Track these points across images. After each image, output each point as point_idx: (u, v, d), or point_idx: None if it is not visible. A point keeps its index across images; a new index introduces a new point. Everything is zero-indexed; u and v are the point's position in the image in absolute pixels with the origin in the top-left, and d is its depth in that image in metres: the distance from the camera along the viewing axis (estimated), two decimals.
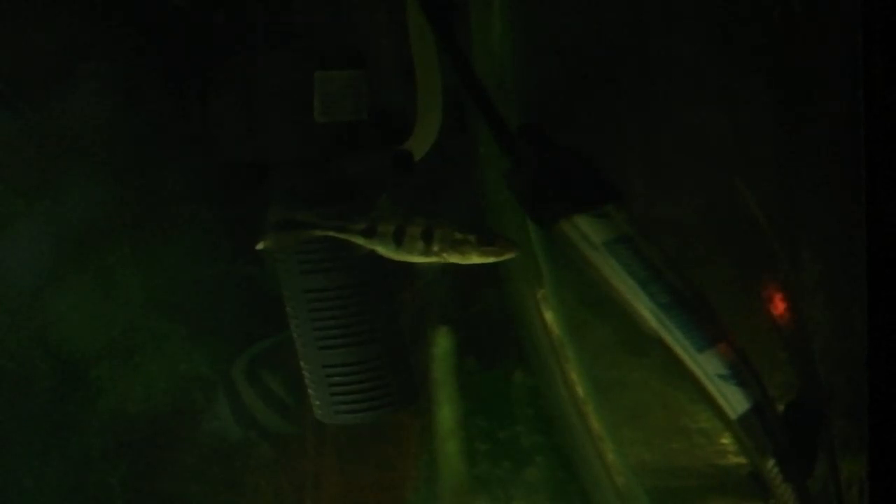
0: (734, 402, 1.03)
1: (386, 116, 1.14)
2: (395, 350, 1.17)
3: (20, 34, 1.20)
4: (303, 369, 1.19)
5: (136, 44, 1.23)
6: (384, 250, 1.03)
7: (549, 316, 1.23)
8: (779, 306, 1.13)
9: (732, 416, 1.04)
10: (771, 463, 1.04)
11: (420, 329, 1.28)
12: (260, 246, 1.11)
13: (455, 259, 1.01)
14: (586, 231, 1.05)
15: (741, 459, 1.12)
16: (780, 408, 1.08)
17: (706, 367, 1.03)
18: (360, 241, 1.04)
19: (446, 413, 1.27)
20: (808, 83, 1.10)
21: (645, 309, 1.04)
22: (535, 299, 1.23)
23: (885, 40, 0.90)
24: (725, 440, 1.20)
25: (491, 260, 1.00)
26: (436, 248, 1.00)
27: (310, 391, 1.19)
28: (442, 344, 1.26)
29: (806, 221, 1.14)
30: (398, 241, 1.01)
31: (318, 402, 1.19)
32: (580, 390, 1.23)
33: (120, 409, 1.34)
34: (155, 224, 1.32)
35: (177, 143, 1.28)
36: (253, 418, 1.37)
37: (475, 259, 1.00)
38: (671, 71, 1.19)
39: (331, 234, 1.05)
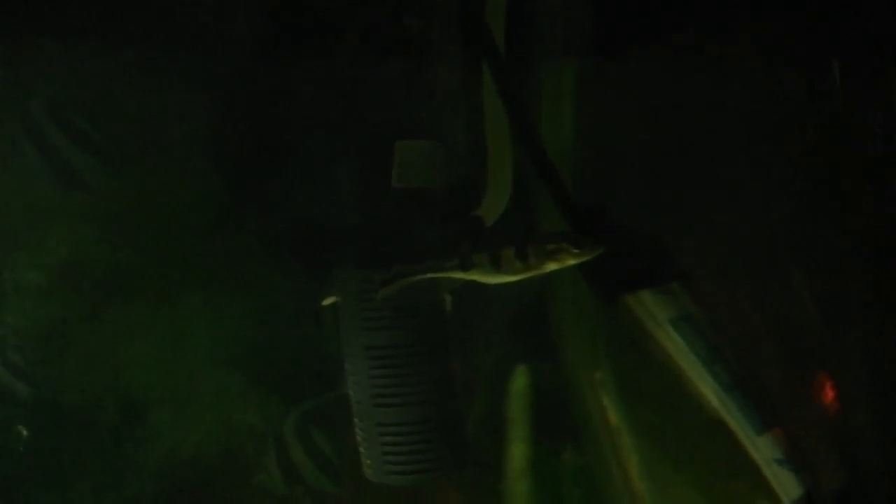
0: (788, 487, 1.03)
1: (459, 184, 1.19)
2: (450, 414, 1.18)
3: (126, 94, 1.29)
4: (356, 426, 1.21)
5: (226, 109, 1.31)
6: (484, 278, 1.04)
7: (605, 400, 1.21)
8: (828, 395, 1.13)
9: (786, 502, 1.04)
10: None
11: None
12: (325, 302, 1.15)
13: (553, 267, 1.02)
14: (652, 307, 1.07)
15: None
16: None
17: (764, 450, 1.04)
18: (458, 275, 1.05)
19: (519, 451, 1.25)
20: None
21: (708, 388, 1.04)
22: (592, 381, 1.22)
23: None
24: None
25: (585, 259, 1.02)
26: (533, 262, 1.02)
27: (361, 449, 1.20)
28: (519, 381, 1.26)
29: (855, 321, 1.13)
30: (496, 265, 1.03)
31: (368, 461, 1.20)
32: (637, 484, 1.20)
33: (174, 454, 1.37)
34: (226, 280, 1.38)
35: (252, 206, 1.35)
36: (299, 475, 1.38)
37: (571, 262, 1.02)
38: (730, 159, 1.21)
39: (430, 275, 1.06)
